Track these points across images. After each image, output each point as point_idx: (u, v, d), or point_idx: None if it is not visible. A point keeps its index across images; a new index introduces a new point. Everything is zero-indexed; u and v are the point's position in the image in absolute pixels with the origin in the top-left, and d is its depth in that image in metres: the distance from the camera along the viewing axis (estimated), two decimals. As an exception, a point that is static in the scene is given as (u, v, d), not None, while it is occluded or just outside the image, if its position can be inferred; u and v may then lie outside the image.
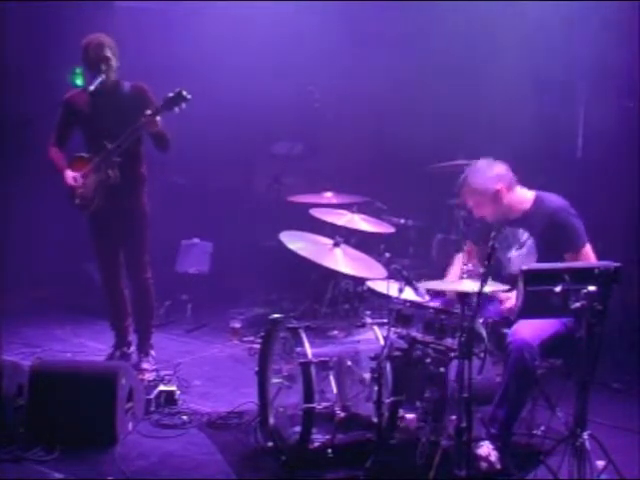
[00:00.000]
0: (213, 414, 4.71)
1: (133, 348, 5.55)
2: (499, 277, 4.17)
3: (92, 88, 5.04)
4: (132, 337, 5.57)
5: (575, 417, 3.52)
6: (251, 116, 7.30)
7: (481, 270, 3.60)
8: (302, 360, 3.98)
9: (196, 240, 7.38)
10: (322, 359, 4.02)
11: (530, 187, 4.34)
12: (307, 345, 4.03)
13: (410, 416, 3.97)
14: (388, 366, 3.95)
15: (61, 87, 6.66)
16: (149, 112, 4.92)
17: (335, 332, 4.30)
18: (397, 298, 3.99)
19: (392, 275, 4.08)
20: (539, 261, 4.16)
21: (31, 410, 4.29)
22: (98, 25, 5.52)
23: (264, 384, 4.36)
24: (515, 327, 3.97)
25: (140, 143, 5.21)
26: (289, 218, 5.65)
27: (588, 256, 4.10)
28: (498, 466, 3.86)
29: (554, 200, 4.25)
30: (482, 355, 3.69)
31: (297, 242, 4.34)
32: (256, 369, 4.39)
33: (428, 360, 3.89)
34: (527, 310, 3.56)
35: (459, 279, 3.98)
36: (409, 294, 4.02)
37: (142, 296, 5.44)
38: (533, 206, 4.28)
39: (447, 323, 3.86)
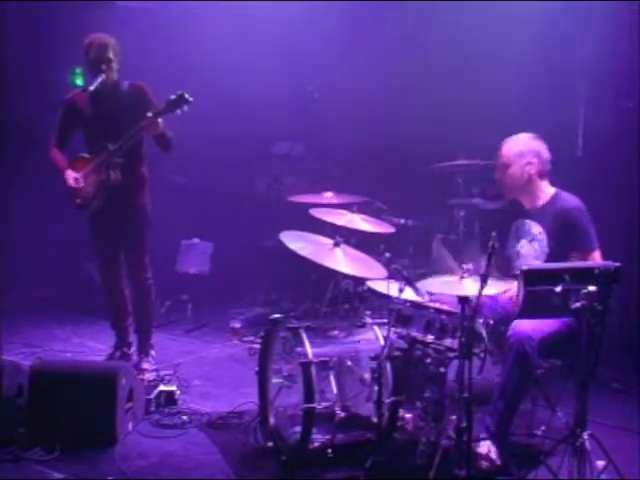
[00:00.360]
0: (213, 414, 4.71)
1: (134, 348, 5.55)
2: (508, 271, 4.21)
3: (92, 88, 5.05)
4: (132, 337, 5.56)
5: (575, 417, 3.52)
6: (251, 116, 7.30)
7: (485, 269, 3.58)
8: (302, 360, 3.98)
9: (196, 240, 7.39)
10: (322, 359, 4.01)
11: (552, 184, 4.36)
12: (307, 345, 4.03)
13: (410, 416, 3.98)
14: (388, 366, 3.95)
15: (61, 87, 6.67)
16: (150, 114, 4.92)
17: (335, 332, 4.30)
18: (397, 298, 3.99)
19: (392, 275, 4.08)
20: (549, 260, 4.17)
21: (31, 410, 4.29)
22: (98, 25, 5.52)
23: (264, 384, 4.36)
24: (516, 322, 3.97)
25: (141, 143, 5.21)
26: (289, 218, 5.65)
27: (595, 261, 4.09)
28: (498, 462, 3.86)
29: (571, 200, 4.27)
30: (482, 355, 3.69)
31: (297, 242, 4.34)
32: (256, 369, 4.39)
33: (428, 360, 3.89)
34: (527, 310, 3.56)
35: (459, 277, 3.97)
36: (409, 294, 4.02)
37: (142, 296, 5.44)
38: (550, 201, 4.30)
39: (447, 323, 3.86)
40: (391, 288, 4.01)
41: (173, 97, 4.90)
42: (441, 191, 5.93)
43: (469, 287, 3.73)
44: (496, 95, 6.37)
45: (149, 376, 5.21)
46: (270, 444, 4.23)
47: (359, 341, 4.22)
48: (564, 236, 4.16)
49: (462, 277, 3.83)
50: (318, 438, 3.99)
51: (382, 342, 4.02)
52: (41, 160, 5.48)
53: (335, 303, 4.97)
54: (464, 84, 6.59)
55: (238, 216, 7.65)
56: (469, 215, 5.89)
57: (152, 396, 4.79)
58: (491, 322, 3.93)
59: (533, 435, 4.20)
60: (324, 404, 3.97)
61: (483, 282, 3.52)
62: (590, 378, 3.49)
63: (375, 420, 3.87)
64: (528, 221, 4.33)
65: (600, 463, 3.64)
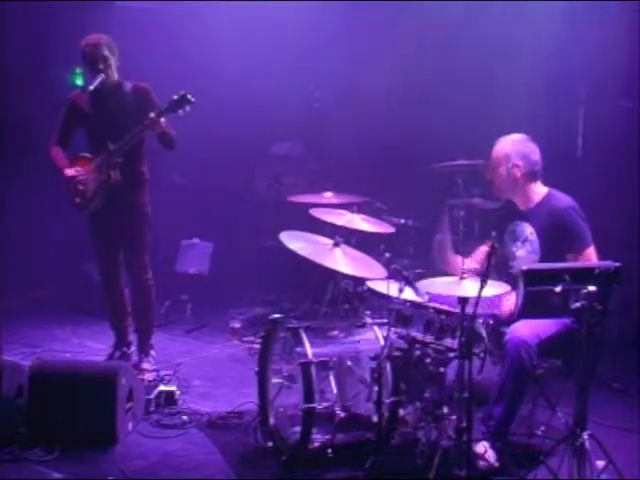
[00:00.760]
0: (213, 414, 4.71)
1: (133, 348, 5.55)
2: (505, 269, 4.21)
3: (92, 88, 5.06)
4: (132, 337, 5.56)
5: (575, 417, 3.52)
6: (251, 116, 7.30)
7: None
8: (302, 360, 3.98)
9: (196, 240, 7.39)
10: (322, 359, 4.01)
11: (545, 184, 4.35)
12: (307, 345, 4.03)
13: (410, 416, 3.97)
14: (388, 366, 3.95)
15: (61, 87, 6.69)
16: (152, 115, 4.92)
17: (335, 332, 4.30)
18: (397, 298, 3.99)
19: (392, 275, 4.08)
20: (542, 261, 4.16)
21: (31, 410, 4.29)
22: (98, 25, 5.54)
23: (264, 384, 4.36)
24: (514, 325, 3.98)
25: (142, 143, 5.21)
26: (289, 218, 5.65)
27: (590, 259, 4.09)
28: (496, 464, 3.87)
29: (563, 199, 4.25)
30: (482, 355, 3.69)
31: (297, 242, 4.34)
32: (256, 369, 4.39)
33: (428, 360, 3.89)
34: (527, 310, 3.57)
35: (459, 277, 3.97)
36: (409, 294, 4.02)
37: (142, 297, 5.44)
38: (542, 202, 4.28)
39: (447, 323, 3.86)
40: (391, 288, 4.01)
41: (175, 97, 4.90)
42: (441, 191, 5.92)
43: (469, 288, 3.72)
44: (496, 95, 6.38)
45: (149, 376, 5.21)
46: (270, 444, 4.23)
47: (359, 341, 4.23)
48: (557, 236, 4.14)
49: (462, 277, 3.83)
50: (318, 438, 3.99)
51: (382, 342, 4.02)
52: (41, 160, 5.48)
53: (335, 303, 4.97)
54: (464, 84, 6.60)
55: (238, 216, 7.65)
56: (469, 215, 5.88)
57: (152, 396, 4.78)
58: (491, 322, 3.94)
59: (533, 435, 4.20)
60: (324, 404, 3.98)
61: (483, 282, 3.52)
62: (590, 378, 3.49)
63: (375, 420, 3.87)
64: (521, 222, 4.32)
65: (600, 463, 3.63)
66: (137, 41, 6.36)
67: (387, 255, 4.24)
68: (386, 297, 4.09)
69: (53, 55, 7.22)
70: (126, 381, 4.39)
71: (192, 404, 4.89)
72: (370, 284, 4.37)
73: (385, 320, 4.12)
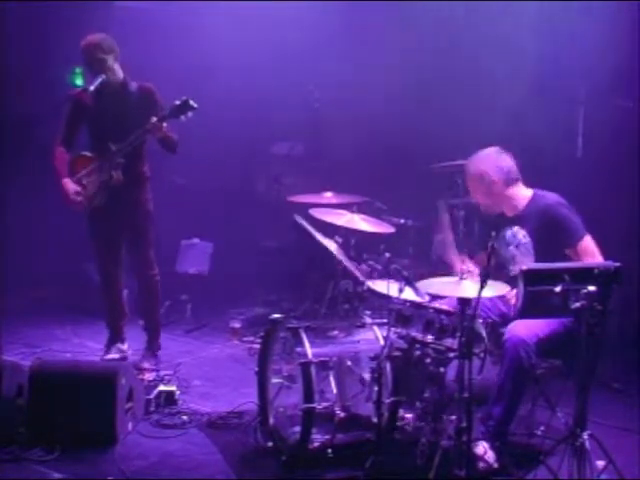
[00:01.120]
0: (213, 414, 4.71)
1: (127, 344, 5.55)
2: (505, 271, 4.22)
3: (92, 88, 5.07)
4: (126, 335, 5.59)
5: (575, 417, 3.52)
6: (251, 116, 7.30)
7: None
8: (302, 360, 3.98)
9: (196, 240, 7.39)
10: (322, 359, 4.01)
11: (529, 186, 4.35)
12: (307, 345, 4.03)
13: (410, 416, 3.98)
14: (388, 366, 3.95)
15: (61, 87, 6.69)
16: (155, 119, 4.92)
17: (335, 332, 4.30)
18: (397, 298, 3.99)
19: (392, 275, 4.08)
20: (538, 260, 4.16)
21: (31, 410, 4.29)
22: (98, 25, 5.52)
23: (264, 384, 4.36)
24: (512, 325, 3.98)
25: (143, 144, 5.21)
26: (289, 218, 5.65)
27: (589, 248, 4.08)
28: (495, 465, 3.86)
29: (549, 196, 4.25)
30: (482, 355, 3.69)
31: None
32: (256, 369, 4.39)
33: (428, 360, 3.89)
34: (527, 310, 3.56)
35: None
36: (409, 294, 4.02)
37: (149, 294, 5.46)
38: (529, 204, 4.28)
39: (447, 323, 3.86)
40: (391, 288, 4.01)
41: (178, 102, 4.90)
42: (441, 191, 5.92)
43: (468, 288, 3.72)
44: (496, 95, 6.37)
45: (149, 376, 5.21)
46: (270, 444, 4.23)
47: (359, 341, 4.22)
48: (549, 234, 4.13)
49: (462, 278, 3.83)
50: (318, 438, 3.99)
51: (382, 342, 4.02)
52: (41, 160, 5.48)
53: (335, 303, 4.97)
54: (464, 84, 6.60)
55: (238, 216, 7.65)
56: (469, 215, 5.88)
57: (152, 396, 4.78)
58: (490, 321, 3.94)
59: (533, 435, 4.20)
60: (324, 404, 3.97)
61: (483, 282, 3.52)
62: (590, 378, 3.49)
63: (375, 420, 3.87)
64: (512, 228, 4.32)
65: (600, 463, 3.63)
66: (137, 41, 6.35)
67: (387, 255, 4.24)
68: (386, 297, 4.09)
69: (53, 55, 7.22)
70: (126, 381, 4.39)
71: (192, 404, 4.89)
72: (370, 284, 4.37)
73: (385, 320, 4.12)
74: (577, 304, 3.38)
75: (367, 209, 5.30)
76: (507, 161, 4.29)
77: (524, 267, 3.57)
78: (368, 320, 4.29)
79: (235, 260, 7.36)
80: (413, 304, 4.04)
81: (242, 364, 5.73)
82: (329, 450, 3.95)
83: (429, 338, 3.91)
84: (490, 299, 4.19)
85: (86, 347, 6.03)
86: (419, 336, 3.95)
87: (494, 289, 3.75)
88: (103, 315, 5.67)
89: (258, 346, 4.55)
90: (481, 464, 3.85)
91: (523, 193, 4.31)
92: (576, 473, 3.45)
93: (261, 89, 7.07)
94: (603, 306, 3.39)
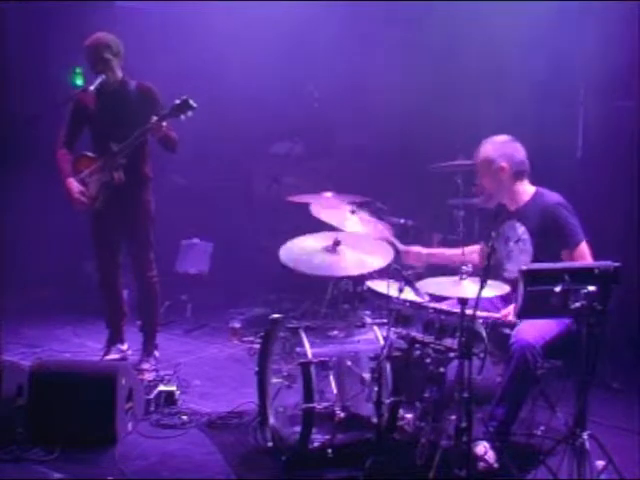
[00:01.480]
0: (213, 414, 4.71)
1: (127, 344, 5.56)
2: (500, 271, 4.22)
3: (92, 88, 5.06)
4: (126, 335, 5.59)
5: (575, 417, 3.52)
6: (251, 116, 7.30)
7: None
8: (302, 360, 3.98)
9: (196, 240, 7.39)
10: (322, 359, 4.01)
11: (532, 184, 4.35)
12: (307, 345, 4.03)
13: (410, 416, 3.97)
14: (388, 366, 3.95)
15: (61, 87, 6.68)
16: (155, 119, 4.92)
17: (335, 332, 4.29)
18: (397, 298, 3.99)
19: (392, 275, 4.08)
20: (534, 260, 4.16)
21: (31, 410, 4.29)
22: (98, 25, 5.52)
23: (264, 384, 4.36)
24: (518, 328, 3.96)
25: (145, 143, 5.21)
26: (289, 218, 5.65)
27: (584, 255, 4.09)
28: (496, 465, 3.86)
29: (551, 197, 4.25)
30: (482, 355, 3.68)
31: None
32: (256, 369, 4.39)
33: (428, 360, 3.88)
34: (527, 310, 3.56)
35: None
36: (409, 294, 4.02)
37: (148, 295, 5.45)
38: (531, 200, 4.29)
39: (447, 323, 3.86)
40: (391, 288, 4.01)
41: (177, 102, 4.90)
42: (441, 191, 5.92)
43: (468, 288, 3.72)
44: (496, 95, 6.38)
45: (149, 376, 5.21)
46: (270, 444, 4.24)
47: (359, 341, 4.22)
48: (548, 234, 4.14)
49: (461, 278, 3.83)
50: (318, 438, 3.99)
51: (382, 342, 4.02)
52: (41, 160, 5.48)
53: (335, 303, 4.97)
54: (464, 84, 6.60)
55: (238, 216, 7.65)
56: (469, 215, 5.88)
57: (152, 396, 4.78)
58: (490, 321, 3.93)
59: (533, 435, 4.20)
60: (324, 404, 3.97)
61: (483, 282, 3.52)
62: (590, 378, 3.49)
63: (375, 420, 3.87)
64: (512, 222, 4.32)
65: (600, 463, 3.63)
66: (137, 41, 6.34)
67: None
68: (386, 297, 4.09)
69: (53, 55, 7.22)
70: (126, 381, 4.39)
71: (192, 404, 4.89)
72: (370, 284, 4.37)
73: (385, 320, 4.12)
74: (577, 304, 3.37)
75: (367, 209, 5.30)
76: (520, 153, 4.31)
77: (524, 267, 3.56)
78: (368, 320, 4.29)
79: (235, 260, 7.36)
80: (413, 304, 4.04)
81: (242, 364, 5.73)
82: (329, 450, 3.95)
83: (429, 338, 3.90)
84: (489, 299, 4.20)
85: (86, 347, 6.03)
86: (419, 336, 3.95)
87: (494, 289, 3.75)
88: (103, 315, 5.67)
89: (258, 346, 4.55)
90: (481, 464, 3.84)
91: (526, 189, 4.32)
92: (576, 473, 3.45)
93: (261, 89, 7.06)
94: (603, 306, 3.39)
